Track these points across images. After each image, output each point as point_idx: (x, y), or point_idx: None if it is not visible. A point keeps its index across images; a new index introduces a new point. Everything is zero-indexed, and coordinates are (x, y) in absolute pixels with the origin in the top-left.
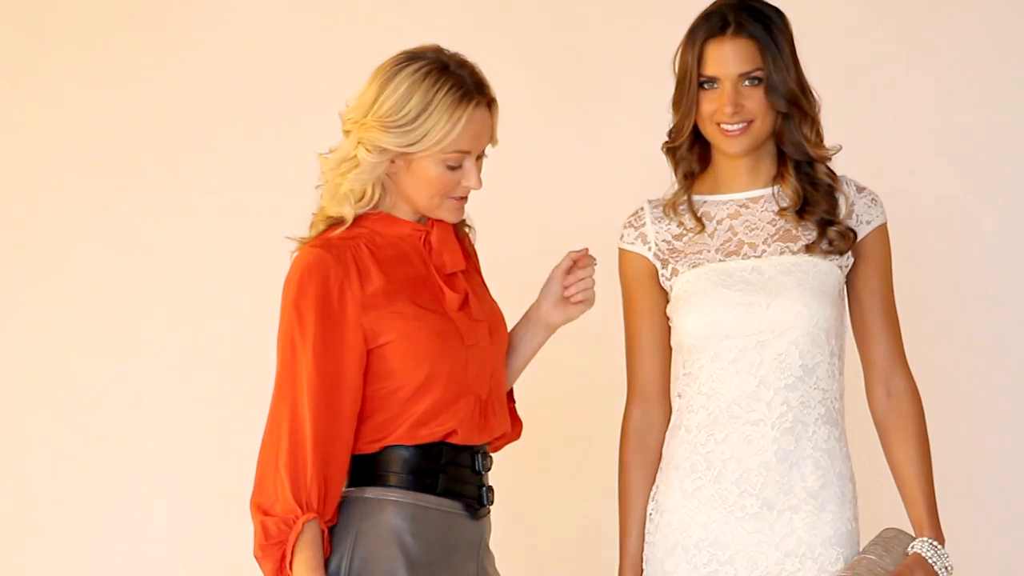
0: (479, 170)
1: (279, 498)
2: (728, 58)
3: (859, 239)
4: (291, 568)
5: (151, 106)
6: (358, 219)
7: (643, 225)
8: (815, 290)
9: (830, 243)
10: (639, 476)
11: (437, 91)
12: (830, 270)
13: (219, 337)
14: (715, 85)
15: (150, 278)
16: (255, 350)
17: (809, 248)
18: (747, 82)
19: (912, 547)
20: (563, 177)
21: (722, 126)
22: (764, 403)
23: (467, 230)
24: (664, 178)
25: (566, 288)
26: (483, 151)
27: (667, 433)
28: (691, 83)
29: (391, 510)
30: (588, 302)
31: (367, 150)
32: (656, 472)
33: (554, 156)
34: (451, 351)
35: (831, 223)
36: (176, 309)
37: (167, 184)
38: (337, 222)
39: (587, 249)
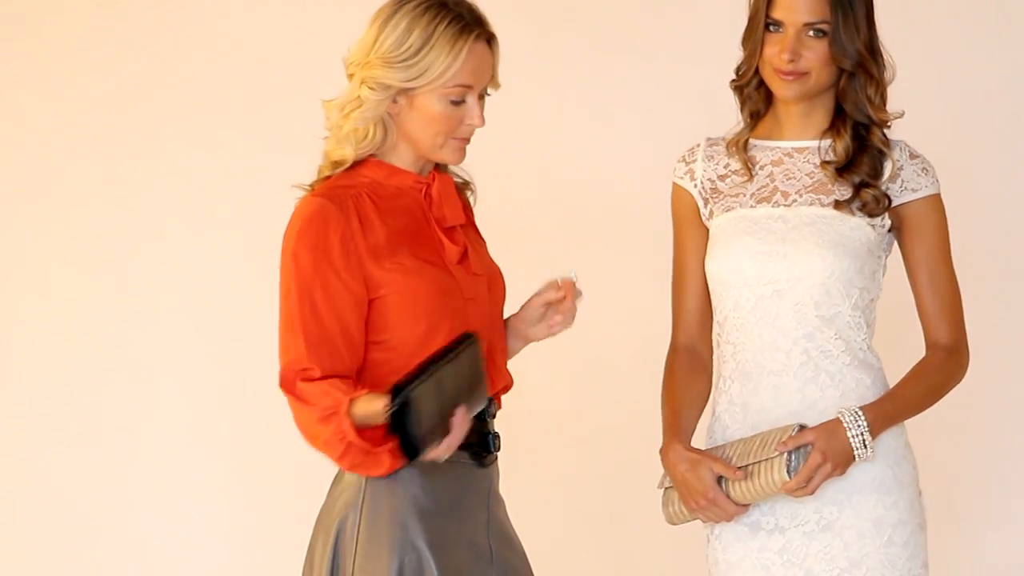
0: (481, 109)
1: (328, 394)
2: (797, 5)
3: (903, 206)
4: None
5: (156, 62)
6: (359, 167)
7: (694, 161)
8: (834, 243)
9: (863, 205)
10: (687, 396)
11: (437, 24)
12: (858, 226)
13: (224, 294)
14: (780, 29)
15: (154, 235)
16: (259, 307)
17: (839, 205)
18: (812, 32)
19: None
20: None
21: (776, 69)
22: (784, 353)
23: (468, 194)
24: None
25: (550, 318)
26: (485, 89)
27: (713, 383)
28: (759, 23)
29: None
30: (569, 324)
31: (370, 88)
32: (699, 404)
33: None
34: (451, 305)
35: (867, 185)
36: (180, 266)
37: (171, 140)
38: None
39: (573, 282)
